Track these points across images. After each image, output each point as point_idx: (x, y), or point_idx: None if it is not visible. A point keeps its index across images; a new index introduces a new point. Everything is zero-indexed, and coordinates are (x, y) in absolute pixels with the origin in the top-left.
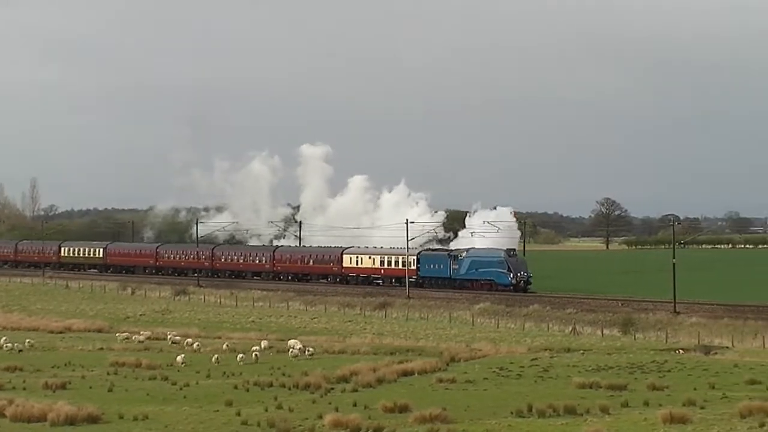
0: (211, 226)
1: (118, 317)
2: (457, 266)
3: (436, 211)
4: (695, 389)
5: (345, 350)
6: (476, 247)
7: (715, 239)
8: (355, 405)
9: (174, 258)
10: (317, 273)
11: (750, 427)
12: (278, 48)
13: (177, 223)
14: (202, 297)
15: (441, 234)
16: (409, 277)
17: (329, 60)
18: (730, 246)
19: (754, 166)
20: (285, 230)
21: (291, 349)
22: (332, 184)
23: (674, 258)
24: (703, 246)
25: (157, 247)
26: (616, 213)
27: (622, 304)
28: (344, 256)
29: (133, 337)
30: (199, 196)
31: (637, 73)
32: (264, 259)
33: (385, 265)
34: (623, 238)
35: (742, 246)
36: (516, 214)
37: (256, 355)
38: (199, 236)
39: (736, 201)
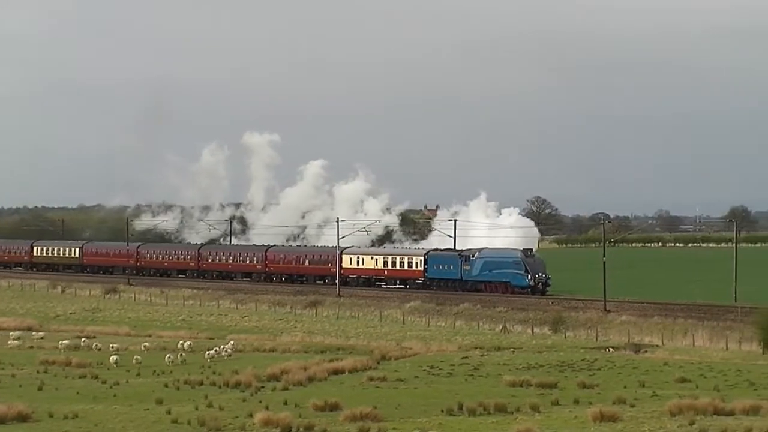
0: (147, 222)
1: (48, 316)
2: (468, 267)
3: (389, 209)
4: (625, 387)
5: (275, 348)
6: (488, 247)
7: (645, 238)
8: (285, 403)
9: (157, 258)
10: (313, 274)
11: (680, 425)
12: (235, 47)
13: (119, 220)
14: (132, 295)
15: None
16: (415, 279)
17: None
18: (660, 245)
19: (684, 165)
20: (225, 230)
21: (207, 351)
22: (284, 177)
23: (604, 256)
24: (634, 244)
25: (138, 247)
26: (547, 211)
27: (552, 303)
28: (344, 256)
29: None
30: (151, 193)
31: (561, 72)
32: (255, 259)
33: (389, 266)
34: (554, 236)
35: (672, 244)
36: (432, 212)
37: (182, 354)
38: (129, 235)
39: (666, 200)
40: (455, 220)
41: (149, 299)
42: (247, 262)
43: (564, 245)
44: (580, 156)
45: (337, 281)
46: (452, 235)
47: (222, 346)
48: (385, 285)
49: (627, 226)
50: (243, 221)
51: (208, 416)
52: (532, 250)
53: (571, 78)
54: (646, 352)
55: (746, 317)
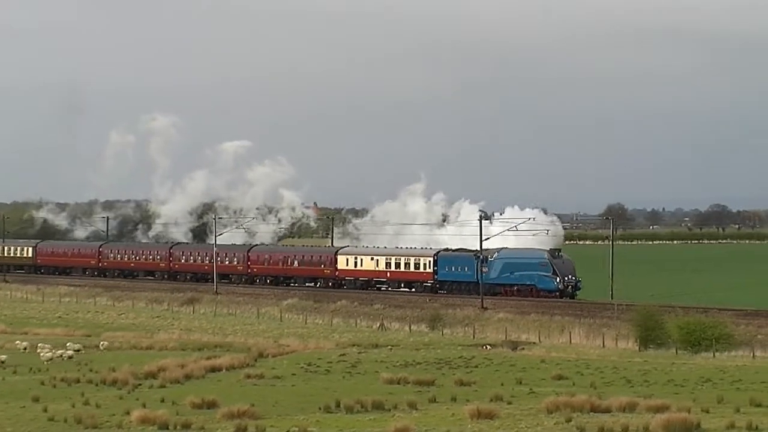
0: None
1: None
2: (486, 269)
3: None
4: (502, 385)
5: (153, 346)
6: (509, 247)
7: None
8: (162, 401)
9: (123, 259)
10: (303, 276)
11: (556, 422)
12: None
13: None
14: (9, 293)
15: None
16: (423, 282)
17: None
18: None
19: (564, 163)
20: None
21: (41, 351)
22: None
23: (480, 254)
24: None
25: (100, 247)
26: None
27: (429, 300)
28: (339, 257)
29: None
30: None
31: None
32: (236, 260)
33: (392, 268)
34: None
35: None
36: (318, 209)
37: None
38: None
39: (545, 198)
40: (481, 217)
41: (25, 296)
42: (227, 263)
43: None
44: (463, 154)
45: (214, 279)
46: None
47: (60, 351)
48: (388, 288)
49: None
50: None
51: (85, 414)
52: (560, 250)
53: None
54: (523, 349)
55: (623, 315)
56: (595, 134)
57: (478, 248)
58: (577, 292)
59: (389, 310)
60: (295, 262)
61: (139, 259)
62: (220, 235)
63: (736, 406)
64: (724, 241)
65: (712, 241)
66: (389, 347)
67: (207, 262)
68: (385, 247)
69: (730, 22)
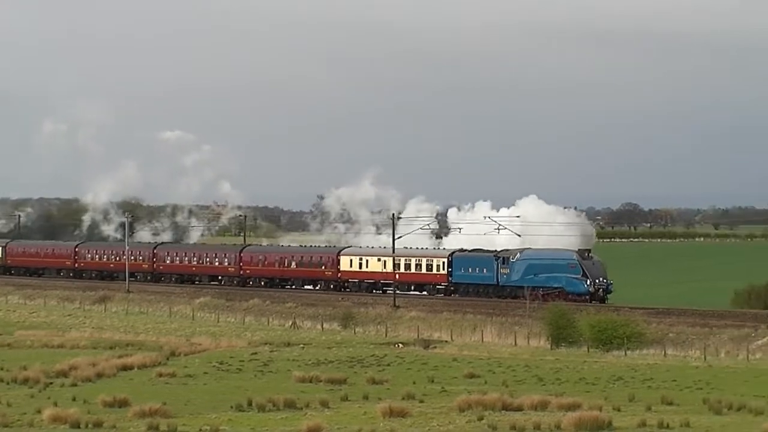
0: None
1: None
2: (507, 270)
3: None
4: (414, 383)
5: (64, 344)
6: (531, 247)
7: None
8: (74, 399)
9: (101, 259)
10: (302, 278)
11: (468, 421)
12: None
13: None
14: None
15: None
16: (436, 284)
17: None
18: None
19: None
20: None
21: None
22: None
23: (393, 251)
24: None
25: (76, 247)
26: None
27: (342, 299)
28: (342, 257)
29: None
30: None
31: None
32: (227, 261)
33: (402, 269)
34: (344, 231)
35: None
36: (222, 207)
37: None
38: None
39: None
40: (394, 215)
41: None
42: (216, 264)
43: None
44: (368, 150)
45: (126, 276)
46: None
47: None
48: (397, 290)
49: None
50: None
51: None
52: (590, 251)
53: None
54: (435, 347)
55: (534, 313)
56: (514, 135)
57: (495, 249)
58: (608, 296)
59: (301, 309)
60: (293, 264)
61: (119, 259)
62: (130, 234)
63: (648, 405)
64: (635, 239)
65: (623, 240)
66: (301, 346)
67: (195, 262)
68: (385, 248)
69: (636, 22)
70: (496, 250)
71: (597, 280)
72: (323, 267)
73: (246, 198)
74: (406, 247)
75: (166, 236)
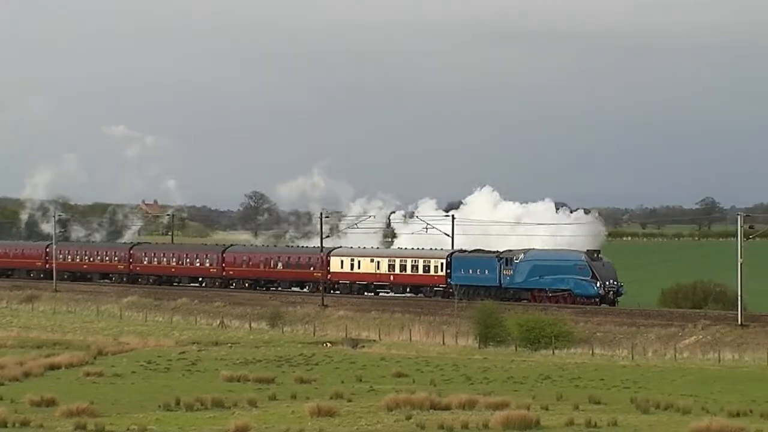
0: None
1: None
2: (510, 272)
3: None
4: (343, 382)
5: None
6: (535, 248)
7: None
8: (1, 399)
9: (75, 260)
10: (288, 279)
11: (396, 420)
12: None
13: None
14: None
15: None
16: (433, 286)
17: None
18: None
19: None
20: None
21: None
22: None
23: (321, 250)
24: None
25: (47, 247)
26: (265, 206)
27: (270, 298)
28: (332, 258)
29: None
30: None
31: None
32: (208, 261)
33: (396, 270)
34: (273, 231)
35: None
36: (151, 206)
37: None
38: None
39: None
40: (322, 215)
41: None
42: (198, 264)
43: (281, 238)
44: (299, 151)
45: (53, 275)
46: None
47: None
48: (391, 292)
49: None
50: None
51: None
52: (599, 251)
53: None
54: (363, 347)
55: (462, 312)
56: (446, 135)
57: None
58: (618, 299)
59: (229, 308)
60: (279, 265)
61: (94, 260)
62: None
63: (575, 404)
64: None
65: None
66: (229, 345)
67: (174, 263)
68: (363, 248)
69: (555, 22)
70: (497, 251)
71: (607, 282)
72: (312, 268)
73: (190, 196)
74: (401, 248)
75: (99, 235)
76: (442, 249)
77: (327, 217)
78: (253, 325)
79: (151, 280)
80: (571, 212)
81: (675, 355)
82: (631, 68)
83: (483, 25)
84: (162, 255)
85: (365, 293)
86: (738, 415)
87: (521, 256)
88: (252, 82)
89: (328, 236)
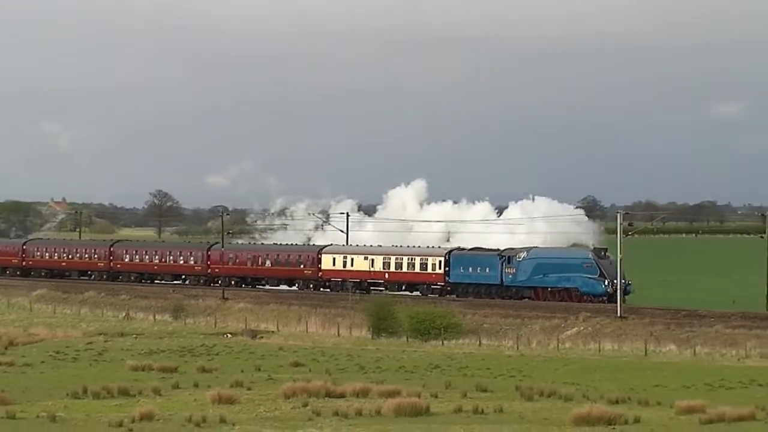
0: None
1: None
2: (513, 270)
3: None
4: (242, 371)
5: None
6: (538, 246)
7: (263, 227)
8: None
9: (52, 257)
10: (278, 277)
11: (294, 407)
12: None
13: None
14: None
15: None
16: (431, 284)
17: None
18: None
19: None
20: None
21: None
22: None
23: (222, 246)
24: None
25: (24, 244)
26: (168, 204)
27: (173, 291)
28: (323, 256)
29: None
30: None
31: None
32: (193, 259)
33: (392, 268)
34: (175, 227)
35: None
36: (59, 204)
37: None
38: None
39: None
40: (223, 212)
41: None
42: (181, 262)
43: (185, 235)
44: (206, 150)
45: (421, 291)
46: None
47: None
48: (386, 290)
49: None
50: None
51: None
52: (606, 250)
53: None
54: (262, 337)
55: (357, 305)
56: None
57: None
58: (626, 297)
59: (135, 301)
60: (268, 262)
61: (73, 257)
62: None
63: (463, 391)
64: None
65: None
66: (134, 336)
67: (156, 261)
68: (380, 246)
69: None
70: (499, 249)
71: (615, 281)
72: (302, 266)
73: (97, 195)
74: (395, 245)
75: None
76: (440, 247)
77: (227, 215)
78: (157, 317)
79: (131, 278)
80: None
81: (558, 346)
82: (518, 72)
83: (387, 32)
84: (144, 253)
85: (357, 291)
86: (617, 402)
87: (524, 254)
88: (161, 82)
89: (229, 232)
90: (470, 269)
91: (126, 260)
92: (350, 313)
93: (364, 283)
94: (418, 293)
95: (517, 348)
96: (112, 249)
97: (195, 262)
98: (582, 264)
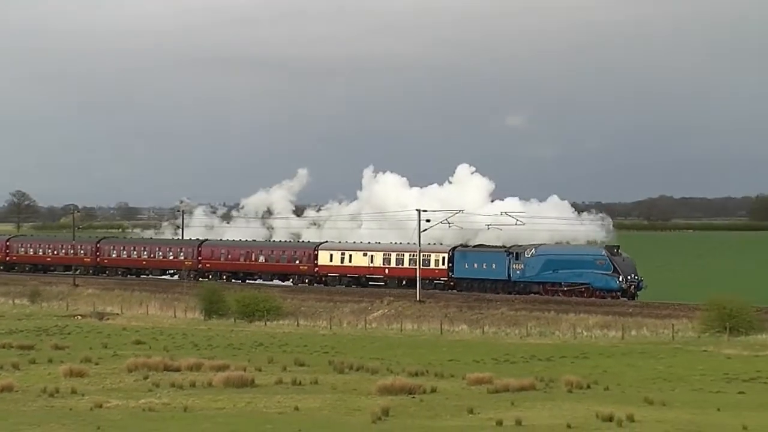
0: None
1: None
2: (521, 266)
3: None
4: (91, 349)
5: None
6: (545, 243)
7: (108, 225)
8: None
9: (36, 253)
10: (272, 272)
11: (136, 380)
12: None
13: None
14: None
15: None
16: (434, 279)
17: None
18: (120, 230)
19: (140, 162)
20: None
21: None
22: None
23: (74, 239)
24: (99, 230)
25: (7, 240)
26: (26, 203)
27: (30, 279)
28: (320, 252)
29: None
30: None
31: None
32: (184, 255)
33: (392, 264)
34: (31, 223)
35: (131, 229)
36: None
37: None
38: None
39: (125, 193)
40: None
41: None
42: (171, 257)
43: (40, 230)
44: (58, 153)
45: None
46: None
47: None
48: (385, 285)
49: (92, 215)
50: None
51: None
52: (618, 247)
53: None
54: (108, 319)
55: (191, 290)
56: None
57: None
58: (638, 293)
59: None
60: (261, 258)
61: (57, 253)
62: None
63: (284, 366)
64: None
65: None
66: None
67: (144, 257)
68: (379, 242)
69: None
70: (504, 246)
71: (629, 277)
72: (298, 262)
73: None
74: (393, 242)
75: None
76: (441, 243)
77: (78, 212)
78: (16, 301)
79: (119, 273)
80: None
81: (365, 326)
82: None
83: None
84: (132, 248)
85: (353, 286)
86: (417, 374)
87: (532, 251)
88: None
89: (81, 227)
90: (475, 265)
91: (113, 255)
92: (185, 297)
93: (362, 278)
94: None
95: (330, 328)
96: (98, 245)
97: (185, 258)
98: (594, 260)
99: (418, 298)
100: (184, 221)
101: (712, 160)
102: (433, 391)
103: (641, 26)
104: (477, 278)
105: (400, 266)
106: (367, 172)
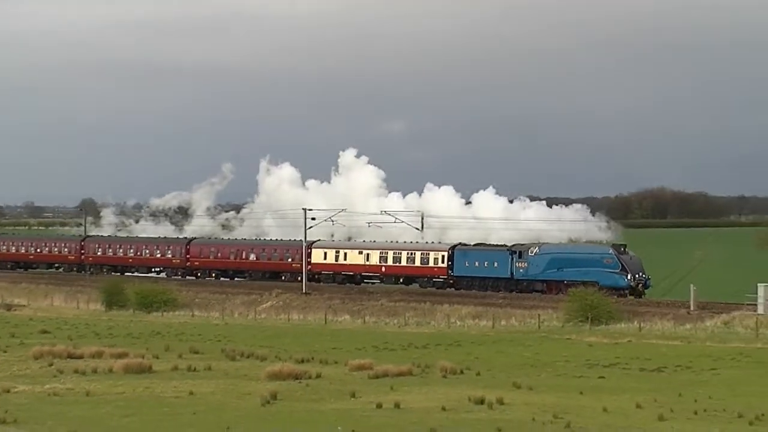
0: None
1: None
2: (525, 264)
3: None
4: (0, 338)
5: None
6: (548, 242)
7: (14, 222)
8: None
9: (19, 250)
10: (263, 270)
11: (41, 366)
12: None
13: None
14: None
15: None
16: (433, 277)
17: None
18: (27, 228)
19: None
20: None
21: None
22: None
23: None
24: (7, 227)
25: None
26: None
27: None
28: (313, 250)
29: None
30: None
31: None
32: (170, 252)
33: (389, 262)
34: None
35: (37, 227)
36: None
37: None
38: None
39: (33, 193)
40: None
41: None
42: (158, 255)
43: None
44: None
45: (419, 285)
46: None
47: None
48: (381, 282)
49: (1, 213)
50: None
51: None
52: (625, 245)
53: None
54: (15, 310)
55: (94, 283)
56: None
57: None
58: (646, 291)
59: None
60: (252, 256)
61: (42, 251)
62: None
63: (179, 353)
64: None
65: None
66: None
67: (131, 254)
68: (374, 241)
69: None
70: (506, 245)
71: (637, 275)
72: (290, 260)
73: None
74: (389, 241)
75: None
76: (440, 242)
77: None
78: None
79: (105, 270)
80: None
81: (255, 316)
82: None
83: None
84: (118, 246)
85: (348, 284)
86: (303, 361)
87: (536, 249)
88: None
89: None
90: (476, 263)
91: (98, 254)
92: (88, 290)
93: (357, 276)
94: (416, 285)
95: (223, 318)
96: (83, 243)
97: (173, 256)
98: (601, 259)
99: (304, 291)
100: (93, 220)
101: None
102: (318, 376)
103: None
104: (478, 276)
105: (398, 264)
106: (263, 164)
